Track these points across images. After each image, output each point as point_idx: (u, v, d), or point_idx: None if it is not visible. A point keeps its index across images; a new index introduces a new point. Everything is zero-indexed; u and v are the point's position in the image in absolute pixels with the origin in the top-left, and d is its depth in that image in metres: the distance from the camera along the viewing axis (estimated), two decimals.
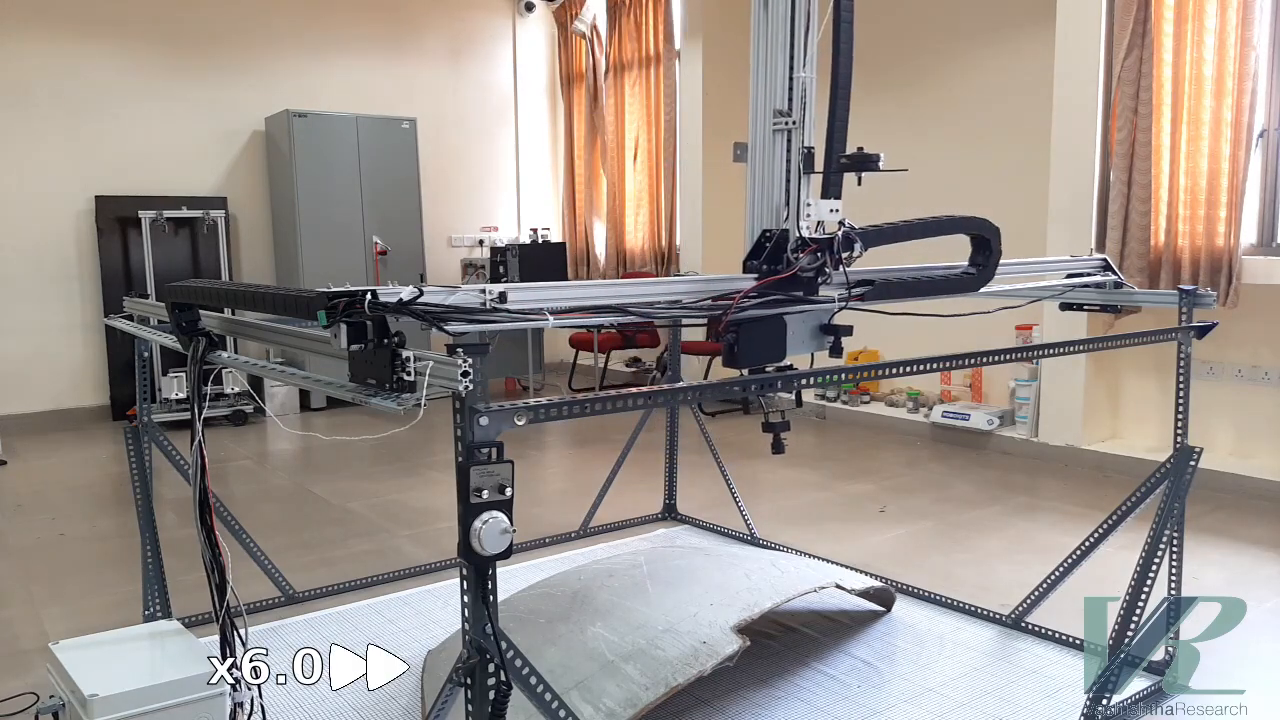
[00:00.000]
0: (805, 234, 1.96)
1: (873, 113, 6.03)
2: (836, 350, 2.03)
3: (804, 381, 1.82)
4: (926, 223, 2.07)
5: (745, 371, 1.90)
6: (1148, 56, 4.42)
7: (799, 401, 2.21)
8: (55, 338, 6.34)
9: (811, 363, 1.99)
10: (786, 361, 1.94)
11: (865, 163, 1.97)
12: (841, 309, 1.98)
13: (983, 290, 2.22)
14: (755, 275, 1.95)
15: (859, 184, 2.03)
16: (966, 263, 2.19)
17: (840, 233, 1.93)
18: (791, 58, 2.01)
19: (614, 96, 7.59)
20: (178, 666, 2.05)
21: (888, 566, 3.35)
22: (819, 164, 1.99)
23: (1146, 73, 4.43)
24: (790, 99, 2.01)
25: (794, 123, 2.01)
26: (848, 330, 2.04)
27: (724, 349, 1.86)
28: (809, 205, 1.98)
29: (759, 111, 2.06)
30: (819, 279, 1.93)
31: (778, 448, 2.19)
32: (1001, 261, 2.25)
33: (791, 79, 2.01)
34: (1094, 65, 4.60)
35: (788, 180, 2.03)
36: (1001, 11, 5.38)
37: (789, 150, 2.02)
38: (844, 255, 1.92)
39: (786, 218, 2.02)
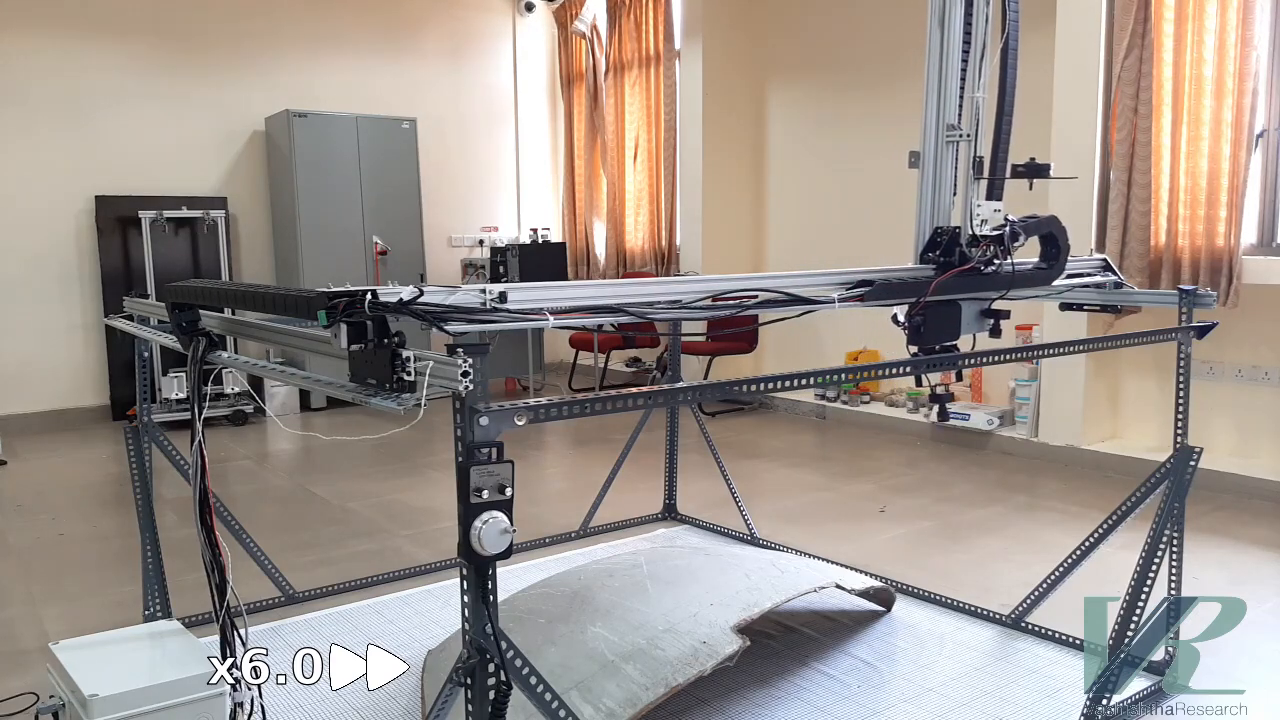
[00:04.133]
0: (976, 231, 2.23)
1: (872, 111, 6.03)
2: (996, 331, 2.28)
3: (806, 381, 1.83)
4: (1030, 222, 2.32)
5: (917, 350, 2.14)
6: (1148, 56, 4.42)
7: (959, 376, 2.45)
8: (55, 338, 6.34)
9: (973, 344, 2.25)
10: (953, 342, 2.19)
11: (1037, 171, 2.29)
12: (1003, 296, 2.26)
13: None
14: (933, 266, 2.23)
15: (1030, 189, 2.40)
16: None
17: (1008, 228, 2.22)
18: (963, 78, 2.26)
19: (614, 96, 7.59)
20: (178, 666, 2.05)
21: (888, 566, 3.35)
22: (985, 170, 2.27)
23: (1146, 73, 4.43)
24: (961, 114, 2.27)
25: (965, 135, 2.27)
26: (1006, 314, 2.28)
27: (910, 329, 2.11)
28: (978, 206, 2.25)
29: (930, 124, 2.30)
30: (987, 268, 2.23)
31: (944, 415, 2.56)
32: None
33: (962, 97, 2.27)
34: (1094, 65, 4.60)
35: (956, 184, 2.29)
36: None
37: (958, 158, 2.28)
38: (1011, 247, 2.23)
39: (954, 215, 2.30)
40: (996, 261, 2.22)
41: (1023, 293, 2.41)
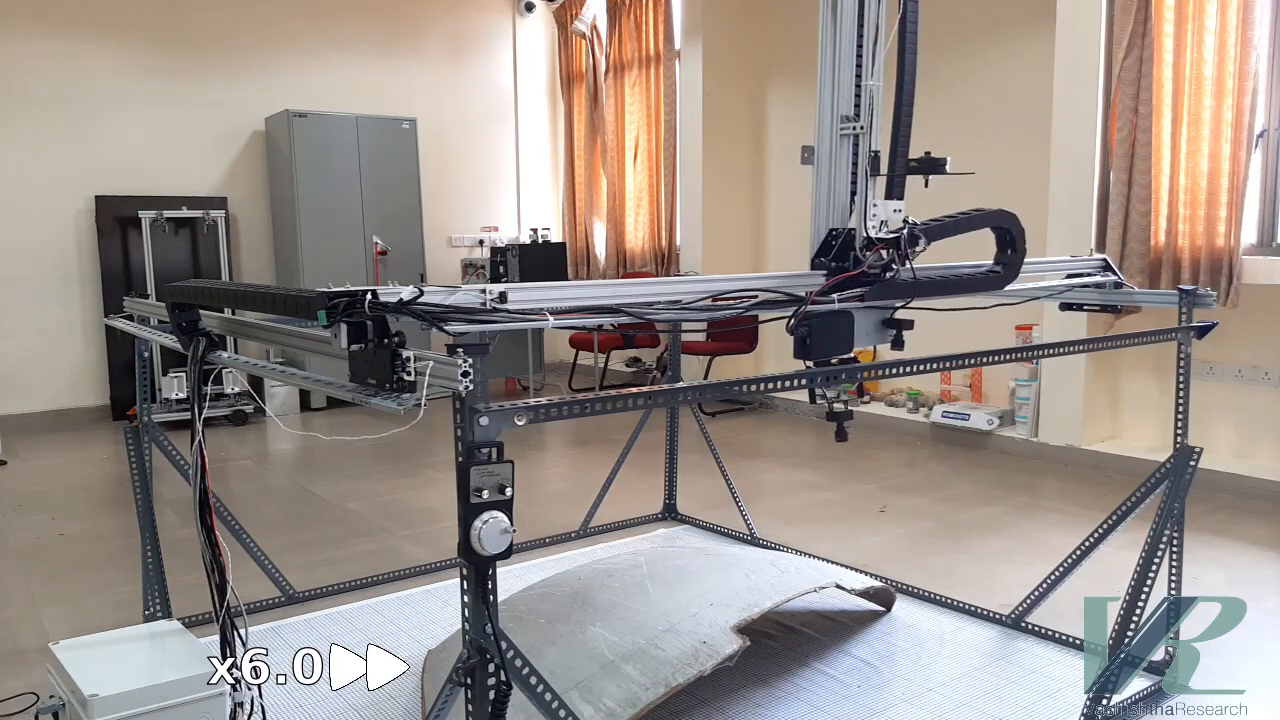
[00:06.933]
0: (872, 233, 2.05)
1: None
2: (898, 343, 2.12)
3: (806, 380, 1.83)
4: (971, 216, 2.15)
5: (811, 364, 1.96)
6: (1148, 56, 4.42)
7: (861, 391, 2.28)
8: (55, 338, 6.34)
9: (874, 355, 2.02)
10: (851, 354, 2.02)
11: (933, 166, 2.08)
12: (905, 305, 2.09)
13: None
14: (825, 272, 2.05)
15: (925, 186, 2.14)
16: (992, 260, 2.25)
17: (906, 230, 2.03)
18: (858, 67, 2.10)
19: (614, 96, 7.59)
20: (178, 666, 2.05)
21: (888, 566, 3.36)
22: (884, 167, 2.10)
23: (1146, 73, 4.43)
24: (857, 105, 2.11)
25: (861, 128, 2.11)
26: (909, 324, 2.11)
27: (796, 342, 1.93)
28: (875, 205, 2.07)
29: (825, 117, 2.14)
30: (885, 275, 2.03)
31: (841, 435, 2.25)
32: None
33: (859, 87, 2.10)
34: (1094, 65, 4.60)
35: (853, 182, 2.12)
36: (1001, 11, 5.38)
37: (855, 154, 2.11)
38: (910, 251, 2.03)
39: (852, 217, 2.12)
40: (894, 267, 2.02)
41: (1017, 293, 2.41)
